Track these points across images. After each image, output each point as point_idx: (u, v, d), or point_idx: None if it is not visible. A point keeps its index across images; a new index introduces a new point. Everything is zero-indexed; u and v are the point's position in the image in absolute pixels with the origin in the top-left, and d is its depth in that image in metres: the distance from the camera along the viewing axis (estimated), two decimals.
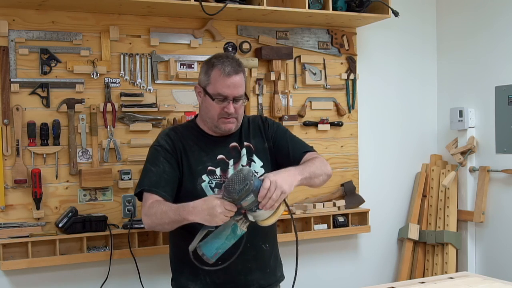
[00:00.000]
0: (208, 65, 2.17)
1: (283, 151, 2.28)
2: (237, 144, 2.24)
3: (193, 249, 1.95)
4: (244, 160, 2.22)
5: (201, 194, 2.13)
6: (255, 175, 1.92)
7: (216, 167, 2.19)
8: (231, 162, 2.21)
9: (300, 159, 2.24)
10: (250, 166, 2.22)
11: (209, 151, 2.21)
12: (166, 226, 2.07)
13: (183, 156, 2.18)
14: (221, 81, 2.11)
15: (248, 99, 2.18)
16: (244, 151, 2.23)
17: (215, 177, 2.17)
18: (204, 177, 2.17)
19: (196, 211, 1.91)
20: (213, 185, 2.17)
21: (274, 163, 2.28)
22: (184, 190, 2.18)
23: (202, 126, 2.25)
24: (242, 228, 1.95)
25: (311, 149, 2.31)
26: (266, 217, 1.96)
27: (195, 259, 1.94)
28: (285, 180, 1.92)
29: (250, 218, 1.96)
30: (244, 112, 2.28)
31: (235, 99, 2.14)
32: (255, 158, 2.25)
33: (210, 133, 2.23)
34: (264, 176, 1.92)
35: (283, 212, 1.98)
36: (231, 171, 2.19)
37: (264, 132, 2.31)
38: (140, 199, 2.18)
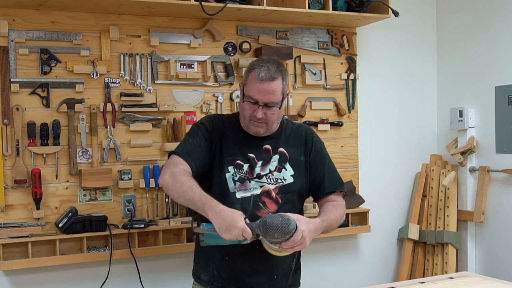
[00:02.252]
0: (250, 66, 2.20)
1: (317, 176, 2.31)
2: (270, 148, 2.26)
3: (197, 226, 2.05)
4: (273, 165, 2.24)
5: (224, 184, 2.18)
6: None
7: (246, 163, 2.22)
8: (259, 163, 2.23)
9: (328, 194, 2.31)
10: (280, 172, 2.23)
11: (242, 146, 2.24)
12: (180, 199, 2.10)
13: (217, 142, 2.23)
14: (254, 85, 2.13)
15: (280, 107, 2.17)
16: (276, 157, 2.25)
17: (241, 171, 2.20)
18: (230, 168, 2.20)
19: (219, 216, 1.94)
20: (236, 178, 2.20)
21: (308, 177, 2.30)
22: (212, 174, 2.22)
23: (241, 122, 2.28)
24: (247, 240, 1.99)
25: (341, 187, 2.35)
26: (275, 251, 2.03)
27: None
28: (311, 237, 2.01)
29: (263, 242, 2.02)
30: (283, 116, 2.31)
31: (267, 105, 2.14)
32: (287, 166, 2.25)
33: (246, 130, 2.25)
34: (298, 228, 1.95)
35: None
36: (257, 170, 2.21)
37: (305, 146, 2.31)
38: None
